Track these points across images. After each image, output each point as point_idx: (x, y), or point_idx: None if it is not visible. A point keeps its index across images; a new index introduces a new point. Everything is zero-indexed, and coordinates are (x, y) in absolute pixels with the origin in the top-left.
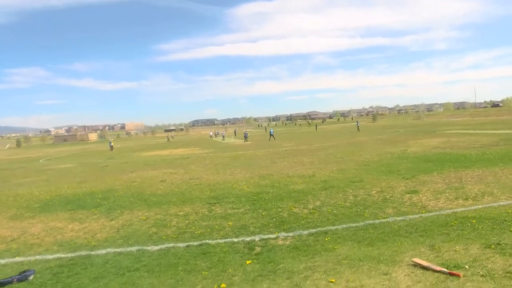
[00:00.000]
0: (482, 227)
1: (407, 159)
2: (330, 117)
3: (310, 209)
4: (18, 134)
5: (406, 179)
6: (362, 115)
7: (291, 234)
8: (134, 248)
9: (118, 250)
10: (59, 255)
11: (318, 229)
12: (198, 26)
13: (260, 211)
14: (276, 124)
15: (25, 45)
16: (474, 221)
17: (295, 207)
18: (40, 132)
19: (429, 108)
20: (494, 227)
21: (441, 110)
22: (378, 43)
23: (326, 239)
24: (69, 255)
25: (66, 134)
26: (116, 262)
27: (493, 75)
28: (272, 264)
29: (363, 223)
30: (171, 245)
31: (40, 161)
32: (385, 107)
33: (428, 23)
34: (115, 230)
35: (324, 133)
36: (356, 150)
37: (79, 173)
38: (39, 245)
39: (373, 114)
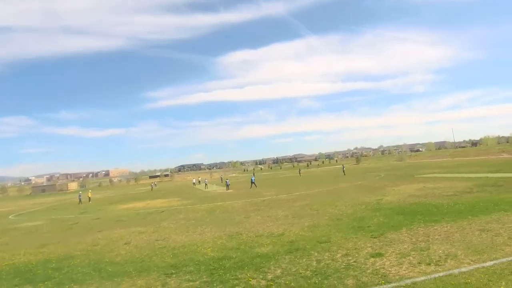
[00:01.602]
0: None
1: (381, 211)
2: (316, 160)
3: (268, 280)
4: None
5: (374, 237)
6: (347, 156)
7: None
8: None
9: None
10: None
11: None
12: (186, 74)
13: (215, 284)
14: (261, 168)
15: (12, 94)
16: None
17: (253, 278)
18: (20, 181)
19: (412, 148)
20: None
21: (423, 150)
22: (360, 87)
23: None
24: None
25: (45, 183)
26: None
27: (470, 115)
28: None
29: None
30: None
31: (10, 217)
32: (370, 148)
33: (405, 68)
34: None
35: (307, 178)
36: (334, 200)
37: (43, 233)
38: None
39: (357, 156)
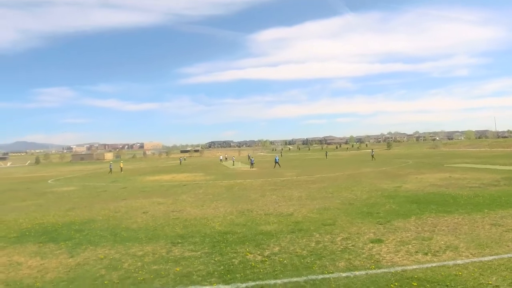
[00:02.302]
0: None
1: (395, 198)
2: (346, 143)
3: (264, 256)
4: (41, 150)
5: (380, 224)
6: (380, 141)
7: (227, 286)
8: None
9: None
10: None
11: (257, 282)
12: (220, 51)
13: (214, 255)
14: (290, 149)
15: (56, 66)
16: (415, 283)
17: (251, 253)
18: (63, 149)
19: (449, 135)
20: None
21: (462, 138)
22: (398, 69)
23: None
24: None
25: (84, 152)
26: None
27: None
28: None
29: (305, 278)
30: None
31: (49, 181)
32: (404, 133)
33: (449, 49)
34: (67, 270)
35: (332, 161)
36: (352, 184)
37: (74, 198)
38: None
39: (388, 142)
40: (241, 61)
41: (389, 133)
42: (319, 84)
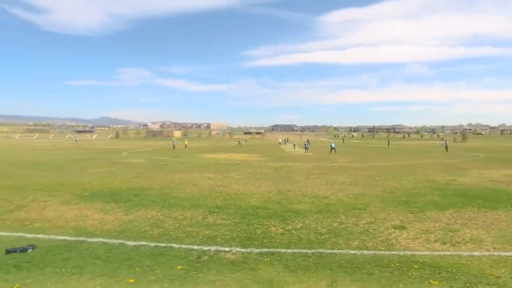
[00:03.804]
0: (412, 274)
1: (443, 190)
2: (417, 132)
3: (285, 230)
4: (122, 126)
5: (412, 213)
6: (456, 132)
7: (244, 250)
8: (117, 241)
9: (106, 240)
10: (66, 237)
11: (271, 249)
12: (286, 33)
13: (241, 225)
14: (353, 136)
15: (135, 48)
16: (416, 266)
17: (274, 226)
18: (139, 125)
19: None
20: (424, 276)
21: None
22: (486, 53)
23: (266, 259)
24: (72, 238)
25: (156, 130)
26: (92, 250)
27: None
28: (194, 272)
29: (314, 251)
30: (145, 243)
31: (123, 153)
32: (487, 125)
33: None
34: (120, 223)
35: (394, 150)
36: (402, 174)
37: (140, 169)
38: (62, 227)
39: (463, 134)
40: (307, 44)
41: (469, 124)
42: (391, 69)
